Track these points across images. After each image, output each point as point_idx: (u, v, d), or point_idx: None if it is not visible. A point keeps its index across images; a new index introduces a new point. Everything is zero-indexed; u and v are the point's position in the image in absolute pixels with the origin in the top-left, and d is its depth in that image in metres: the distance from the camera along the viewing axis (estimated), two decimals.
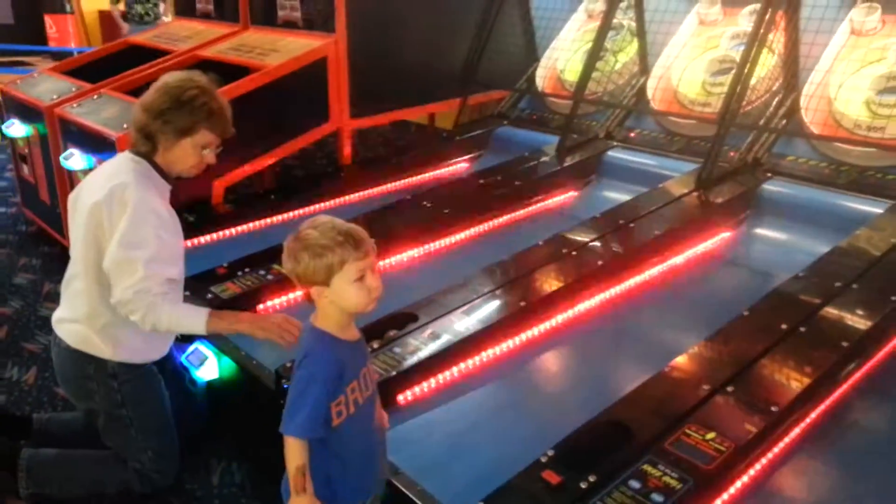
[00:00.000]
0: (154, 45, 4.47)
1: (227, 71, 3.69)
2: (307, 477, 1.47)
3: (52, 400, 2.74)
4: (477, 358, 2.31)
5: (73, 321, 2.07)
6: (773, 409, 1.86)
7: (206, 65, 3.98)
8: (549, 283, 2.65)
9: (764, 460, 1.83)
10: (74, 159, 3.40)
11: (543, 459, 1.73)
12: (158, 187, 2.06)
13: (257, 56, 3.80)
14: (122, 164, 2.05)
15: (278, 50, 3.80)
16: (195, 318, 1.97)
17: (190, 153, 2.05)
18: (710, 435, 1.77)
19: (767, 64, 3.58)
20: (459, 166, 4.22)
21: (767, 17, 3.34)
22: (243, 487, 2.32)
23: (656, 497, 1.60)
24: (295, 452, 1.47)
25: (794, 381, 1.97)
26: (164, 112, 1.97)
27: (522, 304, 2.50)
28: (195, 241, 3.07)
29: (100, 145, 3.27)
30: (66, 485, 2.17)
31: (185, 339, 2.48)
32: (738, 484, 1.75)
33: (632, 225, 3.03)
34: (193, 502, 2.25)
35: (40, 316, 3.39)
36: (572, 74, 4.30)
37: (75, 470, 2.18)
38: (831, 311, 2.28)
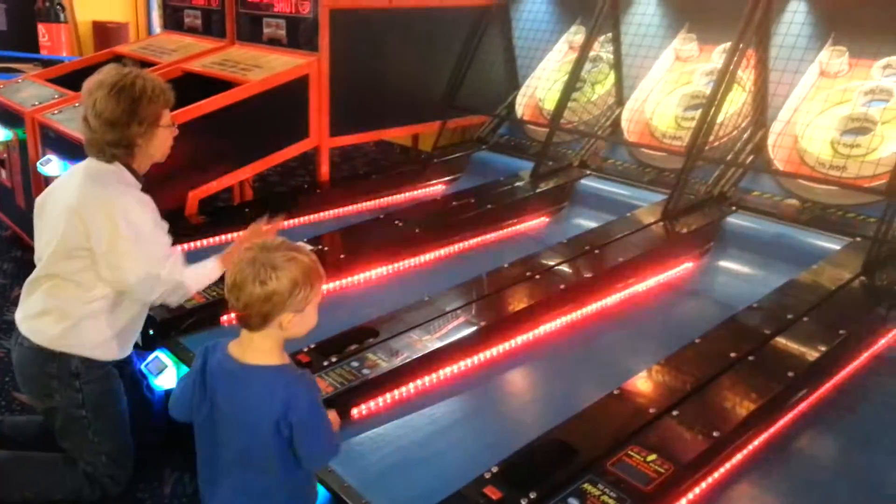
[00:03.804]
0: (140, 56, 4.53)
1: (210, 84, 3.75)
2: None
3: (10, 404, 2.73)
4: (434, 375, 2.34)
5: (38, 317, 2.09)
6: (716, 434, 1.90)
7: (190, 77, 4.04)
8: (512, 304, 2.69)
9: (704, 484, 1.86)
10: (51, 165, 3.43)
11: (487, 475, 1.76)
12: (131, 185, 2.11)
13: (240, 71, 3.86)
14: (91, 170, 2.08)
15: (261, 66, 3.87)
16: (212, 270, 2.21)
17: (166, 135, 2.17)
18: (652, 457, 1.81)
19: (738, 101, 3.69)
20: (436, 188, 4.27)
21: (737, 55, 3.44)
22: (194, 497, 2.31)
23: None
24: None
25: (739, 408, 2.02)
26: (133, 115, 2.01)
27: (483, 323, 2.54)
28: None
29: (77, 152, 3.29)
30: (14, 489, 2.15)
31: (145, 347, 2.50)
32: None
33: (597, 251, 3.09)
34: None
35: (6, 320, 3.39)
36: (551, 103, 4.38)
37: (24, 473, 2.17)
38: (781, 341, 2.33)
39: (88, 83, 2.07)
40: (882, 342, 2.60)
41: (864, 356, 2.50)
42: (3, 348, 3.14)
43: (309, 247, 1.53)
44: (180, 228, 3.33)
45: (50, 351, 2.07)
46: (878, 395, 2.35)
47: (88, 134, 2.08)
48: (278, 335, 1.47)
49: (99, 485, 2.18)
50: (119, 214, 1.99)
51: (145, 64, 4.31)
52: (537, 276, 2.87)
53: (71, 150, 3.35)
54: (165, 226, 2.17)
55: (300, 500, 1.62)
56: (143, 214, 2.06)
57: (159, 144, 2.16)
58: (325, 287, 2.97)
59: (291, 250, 1.45)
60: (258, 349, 1.48)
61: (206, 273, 2.21)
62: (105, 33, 8.48)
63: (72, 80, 4.21)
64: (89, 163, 2.11)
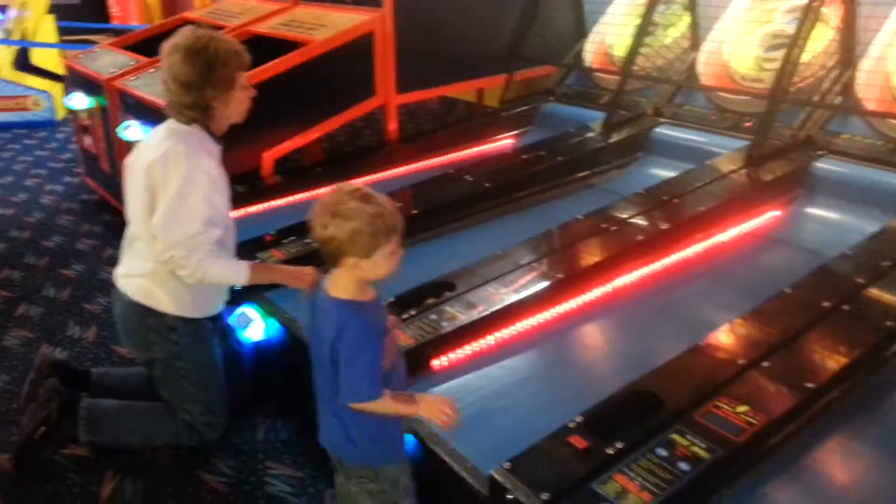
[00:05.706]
0: (208, 20, 4.58)
1: (277, 46, 3.77)
2: (404, 399, 1.58)
3: (110, 357, 2.90)
4: (512, 327, 2.34)
5: (136, 276, 2.18)
6: (809, 385, 1.84)
7: (256, 39, 4.07)
8: (588, 256, 2.65)
9: (798, 437, 1.81)
10: (132, 130, 3.54)
11: (571, 425, 1.75)
12: (210, 150, 2.14)
13: (306, 31, 3.86)
14: (173, 130, 2.13)
15: (326, 25, 3.86)
16: (238, 272, 2.12)
17: (243, 98, 2.16)
18: (742, 408, 1.76)
19: (823, 39, 3.47)
20: (504, 142, 4.22)
21: None
22: (287, 443, 2.42)
23: (682, 465, 1.61)
24: (389, 408, 1.55)
25: (833, 360, 1.94)
26: (208, 78, 2.03)
27: (560, 276, 2.51)
28: (244, 210, 3.18)
29: (156, 116, 3.38)
30: (120, 434, 2.30)
31: (231, 302, 2.58)
32: (770, 458, 1.74)
33: (676, 201, 3.00)
34: (239, 455, 2.36)
35: (100, 279, 3.57)
36: (621, 50, 4.23)
37: (128, 420, 2.30)
38: (876, 290, 2.22)
39: (165, 46, 2.10)
40: None
41: None
42: (100, 304, 3.31)
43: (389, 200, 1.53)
44: (258, 189, 3.42)
45: (147, 307, 2.16)
46: None
47: (168, 96, 2.12)
48: (353, 274, 1.52)
49: (197, 431, 2.29)
50: (185, 170, 2.02)
51: (213, 28, 4.37)
52: (613, 228, 2.81)
53: (150, 115, 3.44)
54: (223, 214, 2.11)
55: (381, 434, 1.64)
56: (200, 189, 2.02)
57: (236, 106, 2.16)
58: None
59: (361, 200, 1.46)
60: (338, 284, 1.55)
61: (227, 276, 2.14)
62: (171, 0, 8.64)
63: (145, 47, 4.32)
64: (171, 123, 2.16)
